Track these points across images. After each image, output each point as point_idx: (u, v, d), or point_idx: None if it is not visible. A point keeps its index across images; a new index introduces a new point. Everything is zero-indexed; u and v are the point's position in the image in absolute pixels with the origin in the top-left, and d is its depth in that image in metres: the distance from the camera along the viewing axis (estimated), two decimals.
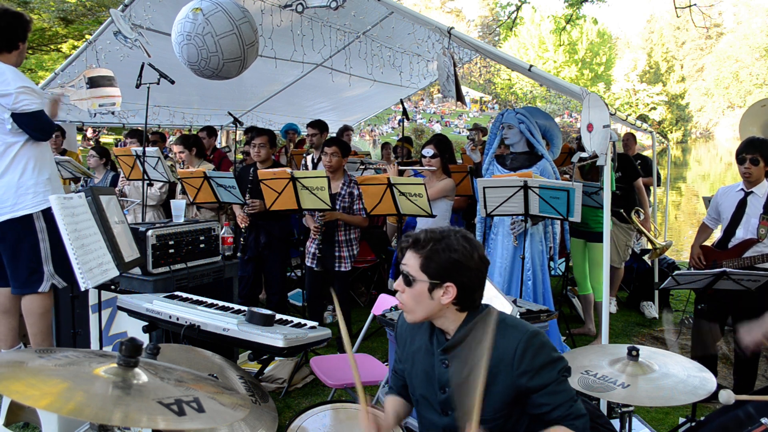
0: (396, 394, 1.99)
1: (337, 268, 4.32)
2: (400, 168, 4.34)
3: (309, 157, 5.91)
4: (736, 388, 3.53)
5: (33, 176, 3.19)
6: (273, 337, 2.23)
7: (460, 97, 4.05)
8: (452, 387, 1.72)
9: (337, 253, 4.32)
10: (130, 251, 2.91)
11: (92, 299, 3.26)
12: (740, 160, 3.45)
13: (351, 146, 6.48)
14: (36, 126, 3.14)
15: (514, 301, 2.95)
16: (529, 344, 1.64)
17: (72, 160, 5.60)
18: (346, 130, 7.40)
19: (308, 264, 4.41)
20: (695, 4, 11.62)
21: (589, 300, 4.88)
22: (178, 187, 5.07)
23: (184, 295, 2.92)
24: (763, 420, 1.95)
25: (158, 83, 4.61)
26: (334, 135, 6.86)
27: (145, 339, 2.73)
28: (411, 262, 1.70)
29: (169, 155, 6.37)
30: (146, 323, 2.67)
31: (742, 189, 3.53)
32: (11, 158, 3.14)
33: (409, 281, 1.70)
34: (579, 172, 4.48)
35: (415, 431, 2.43)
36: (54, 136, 6.03)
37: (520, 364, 1.64)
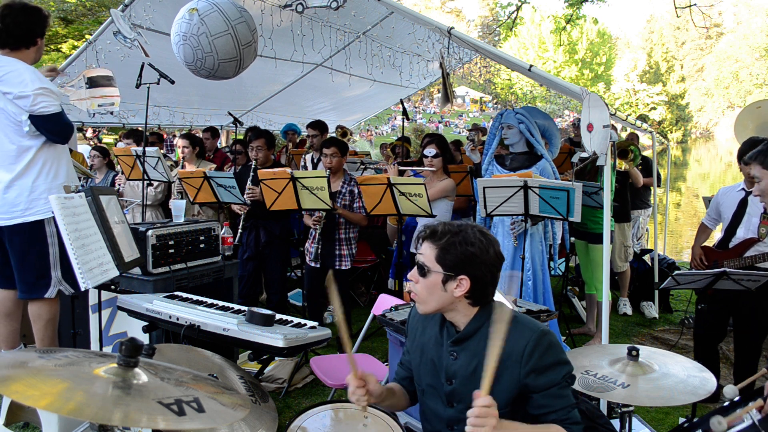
0: (397, 382, 2.00)
1: (337, 267, 4.32)
2: (400, 168, 4.34)
3: (309, 157, 5.91)
4: None
5: (47, 181, 3.10)
6: (273, 337, 2.23)
7: (448, 98, 4.05)
8: (459, 379, 1.73)
9: (337, 252, 4.32)
10: (130, 251, 2.90)
11: (92, 299, 3.25)
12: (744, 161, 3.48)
13: (351, 146, 6.46)
14: (54, 129, 3.04)
15: (514, 301, 2.95)
16: (538, 342, 1.65)
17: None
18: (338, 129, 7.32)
19: (308, 263, 4.41)
20: (695, 4, 11.61)
21: (594, 299, 4.88)
22: (174, 186, 5.05)
23: (184, 295, 2.91)
24: None
25: (158, 83, 4.60)
26: (333, 135, 6.85)
27: (145, 339, 2.73)
28: (427, 252, 1.71)
29: (168, 155, 6.36)
30: (146, 323, 2.66)
31: (743, 188, 3.53)
32: (27, 161, 3.05)
33: (423, 272, 1.71)
34: (578, 172, 4.47)
35: (415, 431, 2.43)
36: None
37: (528, 361, 1.64)
